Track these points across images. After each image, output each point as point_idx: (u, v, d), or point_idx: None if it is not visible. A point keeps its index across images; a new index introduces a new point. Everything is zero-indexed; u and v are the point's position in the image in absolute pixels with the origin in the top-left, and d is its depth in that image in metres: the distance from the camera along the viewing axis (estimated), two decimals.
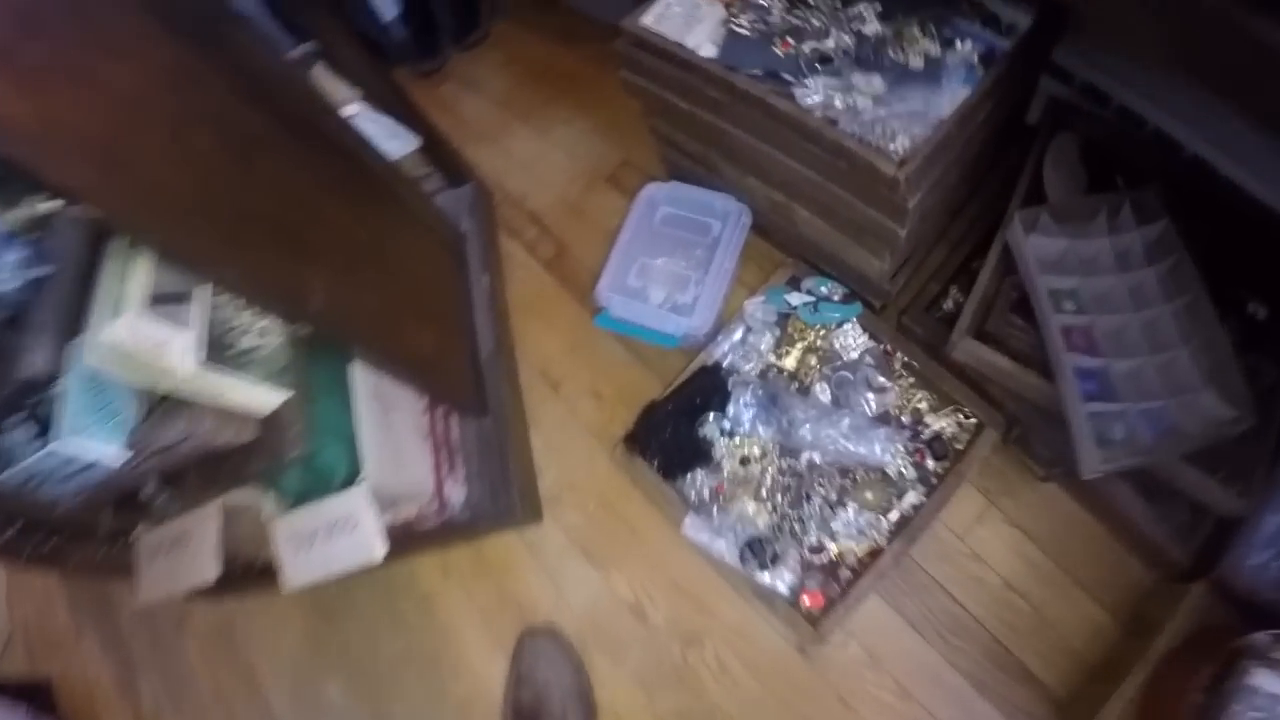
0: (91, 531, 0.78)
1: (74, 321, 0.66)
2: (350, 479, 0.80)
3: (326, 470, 0.82)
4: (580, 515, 1.05)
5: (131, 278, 0.65)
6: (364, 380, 0.87)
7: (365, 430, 0.83)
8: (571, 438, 1.11)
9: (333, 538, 0.77)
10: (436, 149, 1.17)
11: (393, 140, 1.04)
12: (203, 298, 0.71)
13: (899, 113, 0.80)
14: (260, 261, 0.66)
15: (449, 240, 1.15)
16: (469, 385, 1.04)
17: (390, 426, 0.89)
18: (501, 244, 1.29)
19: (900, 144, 0.78)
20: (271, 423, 0.77)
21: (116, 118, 0.52)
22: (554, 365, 1.17)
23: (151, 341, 0.64)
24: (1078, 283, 0.87)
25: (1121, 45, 0.87)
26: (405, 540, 0.95)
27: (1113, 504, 0.86)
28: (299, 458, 0.78)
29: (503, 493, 0.98)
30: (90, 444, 0.66)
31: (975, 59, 0.85)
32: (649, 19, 0.93)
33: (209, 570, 0.75)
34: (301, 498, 0.81)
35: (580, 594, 1.01)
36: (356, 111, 1.02)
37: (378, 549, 0.76)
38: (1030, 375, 0.83)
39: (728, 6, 0.94)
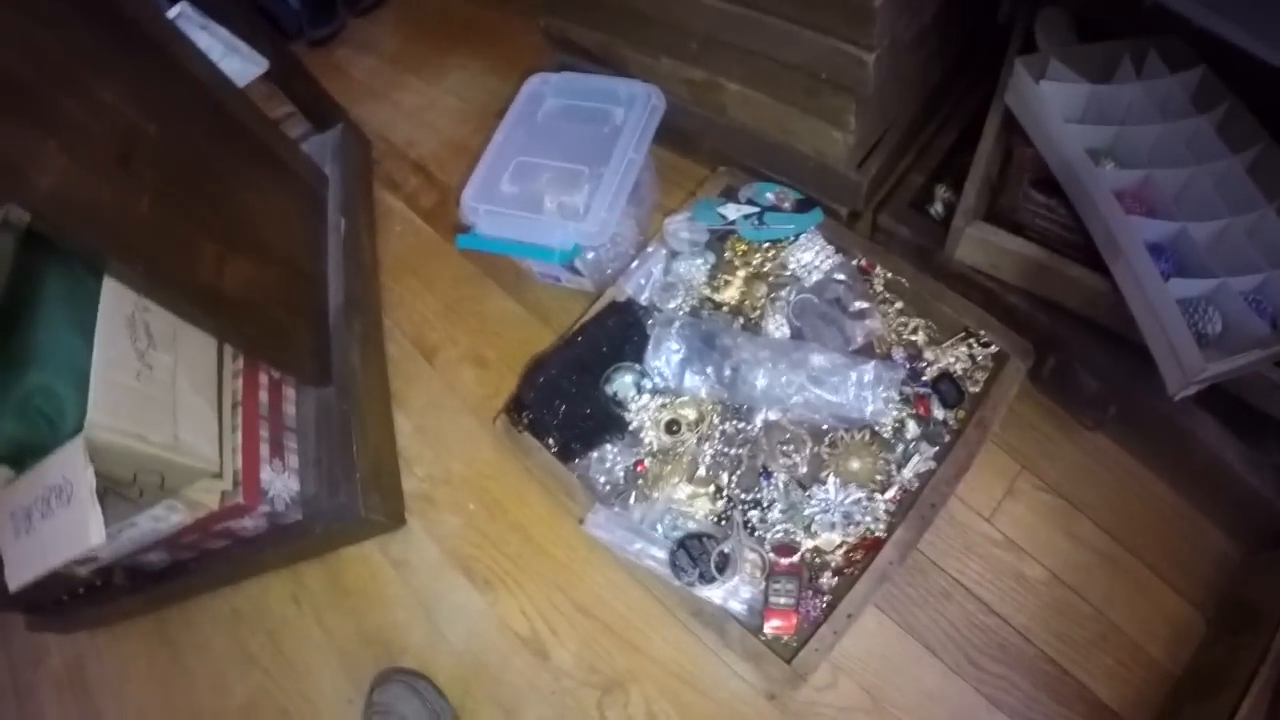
0: None
1: None
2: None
3: (52, 415, 0.59)
4: (459, 518, 0.77)
5: None
6: (117, 305, 0.63)
7: (99, 365, 0.58)
8: (448, 419, 0.83)
9: (50, 514, 0.56)
10: (301, 90, 1.01)
11: (232, 57, 0.88)
12: None
13: None
14: None
15: (303, 179, 0.93)
16: (305, 347, 0.77)
17: (154, 375, 0.61)
18: (382, 200, 1.07)
19: None
20: None
21: None
22: (429, 330, 0.90)
23: None
24: (1114, 136, 0.62)
25: None
26: (233, 552, 0.75)
27: (1192, 450, 0.60)
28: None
29: (345, 485, 0.69)
30: None
31: None
32: None
33: None
34: (18, 458, 0.60)
35: (460, 625, 0.72)
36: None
37: (93, 530, 0.53)
38: (1071, 267, 0.58)
39: None
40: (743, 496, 0.65)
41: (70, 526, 0.53)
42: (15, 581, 0.58)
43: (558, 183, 0.73)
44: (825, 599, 0.61)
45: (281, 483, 0.70)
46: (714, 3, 0.63)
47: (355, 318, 0.85)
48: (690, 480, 0.66)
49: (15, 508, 0.59)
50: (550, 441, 0.69)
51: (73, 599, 0.78)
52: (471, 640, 0.72)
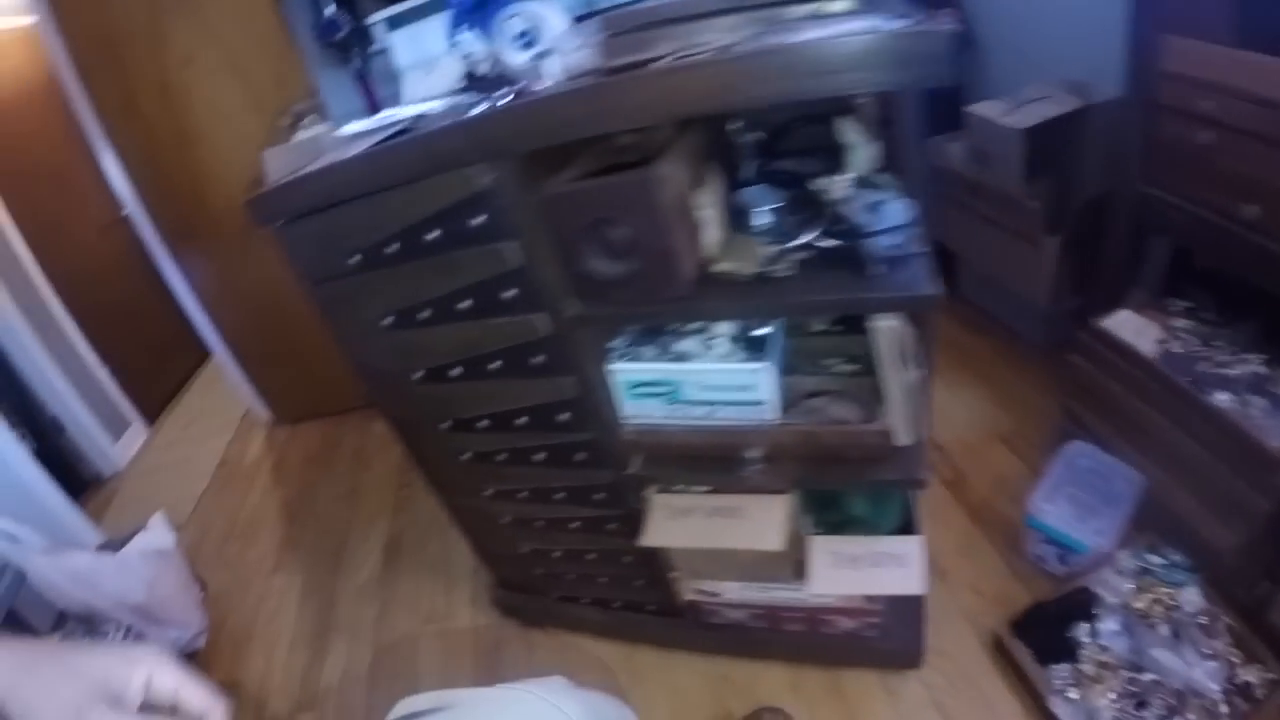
0: None
1: None
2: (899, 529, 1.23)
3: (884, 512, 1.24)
4: (943, 679, 1.34)
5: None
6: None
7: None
8: (948, 616, 1.46)
9: (877, 565, 1.14)
10: None
11: None
12: None
13: None
14: None
15: None
16: None
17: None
18: None
19: None
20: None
21: None
22: (943, 557, 1.57)
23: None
24: None
25: None
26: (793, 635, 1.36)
27: None
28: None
29: (914, 628, 1.38)
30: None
31: None
32: (1109, 324, 1.40)
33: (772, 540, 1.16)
34: (841, 526, 1.23)
35: None
36: None
37: (916, 585, 1.12)
38: None
39: (1162, 329, 1.39)
40: (1134, 715, 1.26)
41: (899, 579, 1.17)
42: (820, 588, 1.33)
43: (1084, 512, 1.43)
44: None
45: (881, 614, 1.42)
46: (1190, 446, 1.29)
47: None
48: (1105, 698, 1.28)
49: (836, 551, 1.18)
50: (1033, 651, 1.34)
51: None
52: None
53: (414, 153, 0.97)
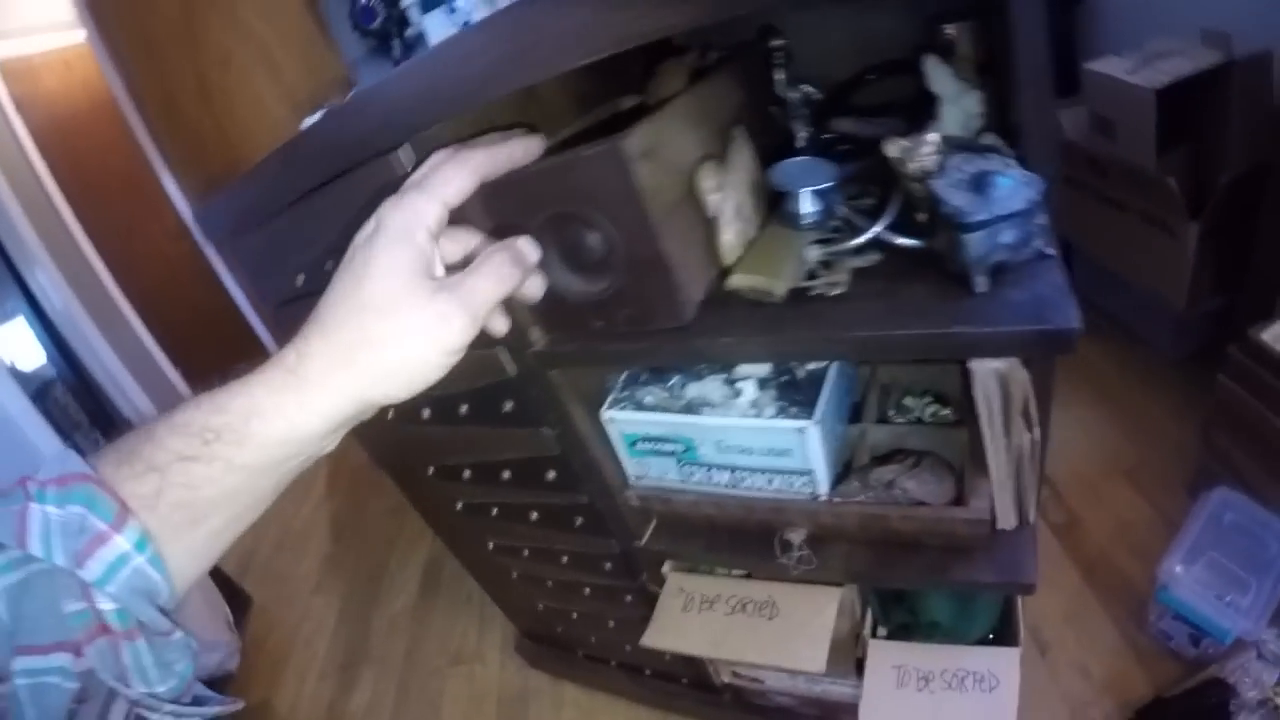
0: None
1: None
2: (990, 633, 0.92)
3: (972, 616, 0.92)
4: None
5: None
6: None
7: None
8: (1046, 701, 1.15)
9: (956, 688, 0.82)
10: None
11: None
12: None
13: None
14: None
15: None
16: None
17: None
18: None
19: None
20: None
21: None
22: (1047, 626, 1.23)
23: None
24: None
25: None
26: None
27: None
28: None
29: None
30: None
31: None
32: (1269, 336, 0.98)
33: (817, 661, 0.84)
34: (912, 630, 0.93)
35: None
36: None
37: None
38: None
39: None
40: None
41: (987, 709, 0.81)
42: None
43: (1230, 582, 1.06)
44: None
45: None
46: None
47: None
48: None
49: (903, 663, 0.84)
50: None
51: None
52: None
53: (330, 140, 0.74)
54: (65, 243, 2.68)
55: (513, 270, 0.43)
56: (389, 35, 1.90)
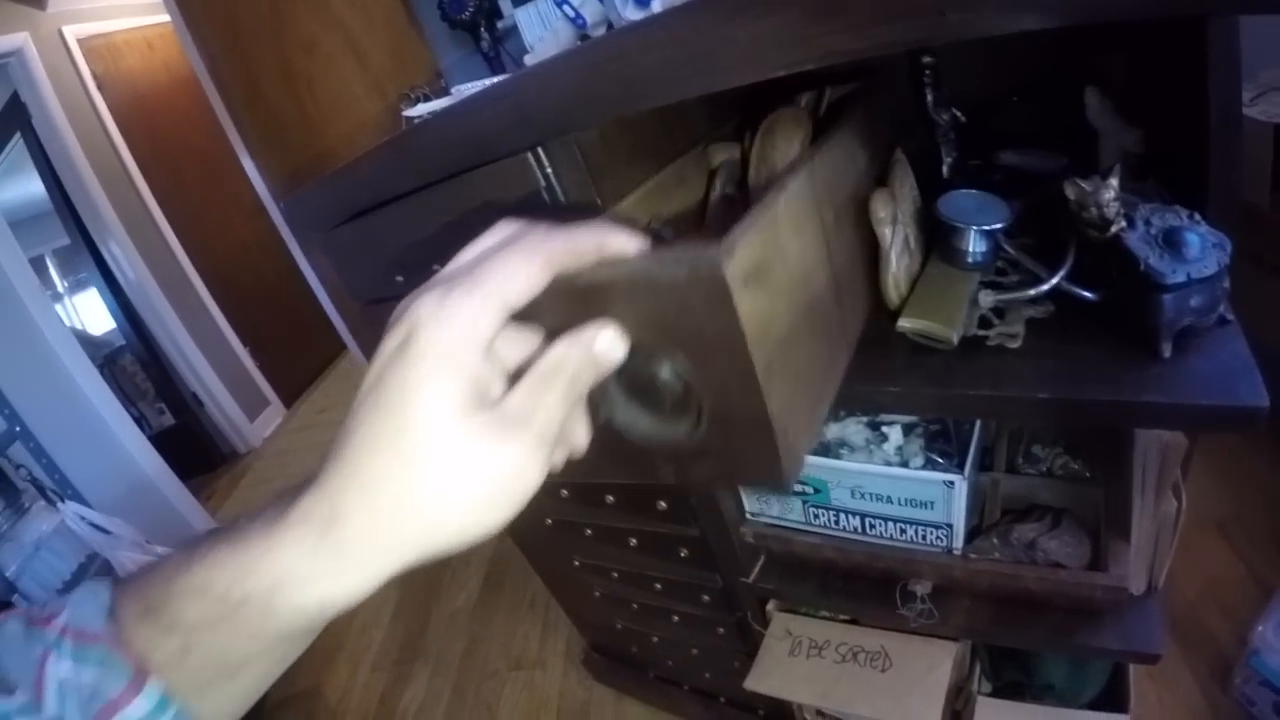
0: None
1: None
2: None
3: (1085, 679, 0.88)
4: None
5: None
6: None
7: None
8: None
9: None
10: None
11: None
12: None
13: None
14: None
15: None
16: None
17: None
18: None
19: None
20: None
21: None
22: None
23: None
24: None
25: None
26: None
27: None
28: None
29: None
30: None
31: None
32: None
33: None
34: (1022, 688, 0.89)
35: None
36: None
37: None
38: None
39: None
40: None
41: None
42: None
43: None
44: None
45: None
46: None
47: None
48: None
49: None
50: None
51: None
52: None
53: (453, 134, 0.70)
54: (141, 217, 2.73)
55: (589, 377, 0.34)
56: (477, 26, 1.87)
